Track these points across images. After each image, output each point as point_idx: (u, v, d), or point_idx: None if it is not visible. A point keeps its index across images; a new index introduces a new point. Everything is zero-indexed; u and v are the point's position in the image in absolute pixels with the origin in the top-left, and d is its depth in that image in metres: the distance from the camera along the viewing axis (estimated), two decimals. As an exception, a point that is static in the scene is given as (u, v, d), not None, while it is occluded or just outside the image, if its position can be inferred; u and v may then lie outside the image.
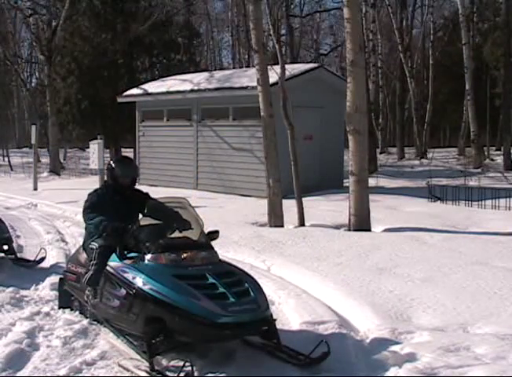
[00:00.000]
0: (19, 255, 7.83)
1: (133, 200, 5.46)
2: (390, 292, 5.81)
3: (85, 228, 5.49)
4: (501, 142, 25.94)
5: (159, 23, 23.97)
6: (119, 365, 4.36)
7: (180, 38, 28.05)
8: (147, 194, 5.59)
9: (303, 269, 6.84)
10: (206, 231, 4.99)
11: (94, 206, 5.33)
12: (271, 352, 4.50)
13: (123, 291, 4.53)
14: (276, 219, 10.11)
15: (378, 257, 7.29)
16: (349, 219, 9.38)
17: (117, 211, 5.25)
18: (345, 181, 13.91)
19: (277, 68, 10.91)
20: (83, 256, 5.45)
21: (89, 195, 5.50)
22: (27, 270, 7.33)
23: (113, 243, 4.91)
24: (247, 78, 14.61)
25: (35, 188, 16.77)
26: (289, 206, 10.39)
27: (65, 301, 5.66)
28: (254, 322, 4.23)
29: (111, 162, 5.51)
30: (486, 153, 25.54)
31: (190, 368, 4.03)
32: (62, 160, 28.17)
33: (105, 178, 5.64)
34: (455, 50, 30.26)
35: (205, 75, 17.50)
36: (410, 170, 21.01)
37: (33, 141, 17.68)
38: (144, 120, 17.59)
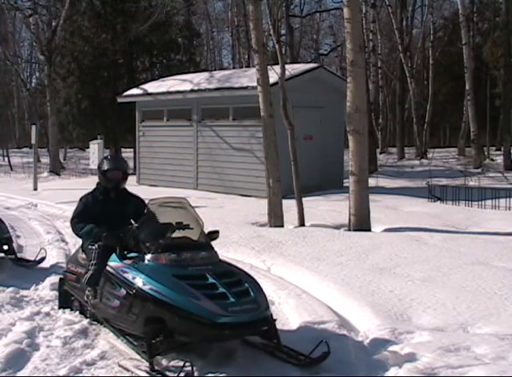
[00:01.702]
0: (19, 255, 7.83)
1: (128, 202, 5.49)
2: (390, 292, 5.81)
3: None
4: (501, 142, 25.94)
5: (159, 23, 23.93)
6: (119, 365, 4.36)
7: (180, 38, 28.00)
8: (142, 200, 5.57)
9: (303, 269, 6.84)
10: (206, 231, 4.99)
11: (80, 215, 5.43)
12: (271, 352, 4.51)
13: (123, 291, 4.53)
14: (276, 219, 10.11)
15: (378, 257, 7.29)
16: (349, 219, 9.38)
17: (110, 211, 5.30)
18: (345, 181, 13.90)
19: (277, 68, 10.91)
20: (83, 256, 5.45)
21: (79, 201, 5.58)
22: (27, 270, 7.33)
23: (113, 243, 4.91)
24: (247, 78, 14.61)
25: (35, 188, 16.76)
26: (289, 206, 10.39)
27: (65, 301, 5.67)
28: (253, 322, 4.23)
29: (101, 160, 5.62)
30: (486, 153, 25.53)
31: (190, 368, 4.03)
32: (62, 160, 28.16)
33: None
34: (455, 50, 30.26)
35: (205, 75, 17.50)
36: (410, 170, 21.01)
37: (33, 141, 17.66)
38: (144, 120, 17.59)
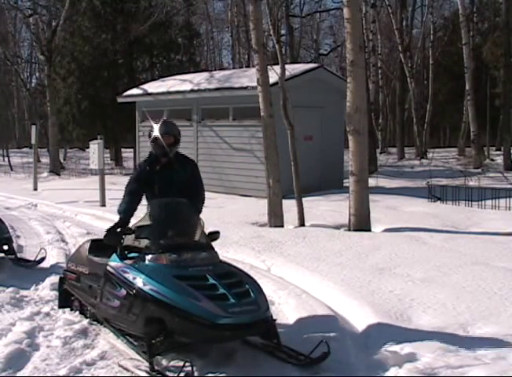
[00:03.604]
0: (19, 255, 7.83)
1: (184, 166, 5.28)
2: (390, 292, 5.81)
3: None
4: (501, 142, 25.95)
5: (159, 23, 23.98)
6: (119, 365, 4.36)
7: (180, 38, 28.05)
8: (195, 165, 5.45)
9: (303, 269, 6.84)
10: (206, 231, 4.99)
11: (135, 180, 5.25)
12: (271, 352, 4.50)
13: (123, 292, 4.53)
14: (276, 219, 10.11)
15: (378, 257, 7.29)
16: (349, 219, 9.38)
17: (165, 179, 5.13)
18: (345, 181, 13.91)
19: (277, 68, 10.91)
20: (83, 255, 5.44)
21: (138, 167, 5.38)
22: (27, 270, 7.33)
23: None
24: (247, 78, 14.61)
25: (35, 189, 16.77)
26: (289, 206, 10.39)
27: (65, 300, 5.66)
28: (254, 323, 4.23)
29: (151, 127, 5.38)
30: (486, 153, 25.53)
31: (190, 368, 4.03)
32: (62, 160, 28.17)
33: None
34: (455, 50, 30.27)
35: (205, 75, 17.50)
36: (410, 170, 21.01)
37: (33, 141, 17.68)
38: (144, 120, 17.57)
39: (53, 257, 7.91)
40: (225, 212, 11.56)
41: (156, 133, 5.23)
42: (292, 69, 13.56)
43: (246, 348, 4.59)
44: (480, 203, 11.62)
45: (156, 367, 4.19)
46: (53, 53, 23.00)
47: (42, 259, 7.59)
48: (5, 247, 7.53)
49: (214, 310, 4.09)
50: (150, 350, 4.21)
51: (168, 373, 4.19)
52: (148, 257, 4.58)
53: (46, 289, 6.36)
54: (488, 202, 11.55)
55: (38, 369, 4.33)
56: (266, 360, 4.42)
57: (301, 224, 9.98)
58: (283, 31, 26.31)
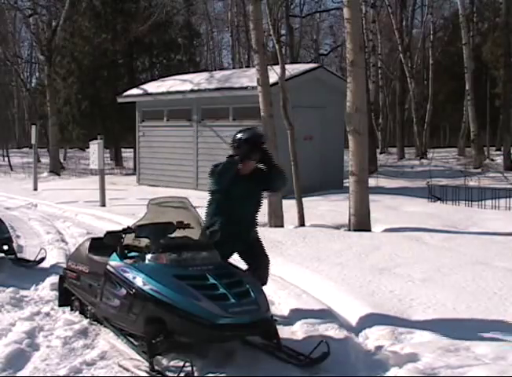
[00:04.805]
0: (19, 255, 7.83)
1: (262, 177, 5.38)
2: (390, 292, 5.80)
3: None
4: (501, 142, 25.95)
5: (159, 24, 23.98)
6: (119, 365, 4.36)
7: (180, 38, 28.07)
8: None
9: (303, 269, 6.84)
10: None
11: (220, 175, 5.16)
12: (271, 352, 4.50)
13: (123, 291, 4.53)
14: (276, 219, 10.10)
15: (378, 257, 7.29)
16: (349, 219, 9.38)
17: (242, 187, 5.15)
18: (345, 181, 13.90)
19: (277, 68, 10.92)
20: (83, 253, 5.44)
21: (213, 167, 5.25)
22: (27, 270, 7.33)
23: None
24: (247, 78, 14.61)
25: (35, 189, 16.77)
26: (289, 206, 10.38)
27: (65, 299, 5.65)
28: (254, 323, 4.22)
29: (239, 134, 5.25)
30: (486, 153, 25.53)
31: (190, 368, 4.03)
32: (62, 160, 28.17)
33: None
34: (455, 50, 30.28)
35: (205, 75, 17.51)
36: (410, 170, 21.00)
37: (33, 141, 17.69)
38: (144, 120, 17.59)
39: (53, 257, 7.91)
40: (225, 212, 11.53)
41: (248, 143, 5.16)
42: (292, 69, 13.56)
43: (246, 348, 4.59)
44: (480, 203, 11.62)
45: (156, 367, 4.19)
46: (53, 53, 22.99)
47: (42, 259, 7.58)
48: (5, 247, 7.53)
49: (214, 310, 4.09)
50: (150, 350, 4.21)
51: (168, 373, 4.19)
52: (148, 256, 4.58)
53: (46, 289, 6.35)
54: (488, 202, 11.56)
55: (38, 369, 4.33)
56: (266, 360, 4.41)
57: (301, 224, 9.98)
58: (283, 31, 26.35)
